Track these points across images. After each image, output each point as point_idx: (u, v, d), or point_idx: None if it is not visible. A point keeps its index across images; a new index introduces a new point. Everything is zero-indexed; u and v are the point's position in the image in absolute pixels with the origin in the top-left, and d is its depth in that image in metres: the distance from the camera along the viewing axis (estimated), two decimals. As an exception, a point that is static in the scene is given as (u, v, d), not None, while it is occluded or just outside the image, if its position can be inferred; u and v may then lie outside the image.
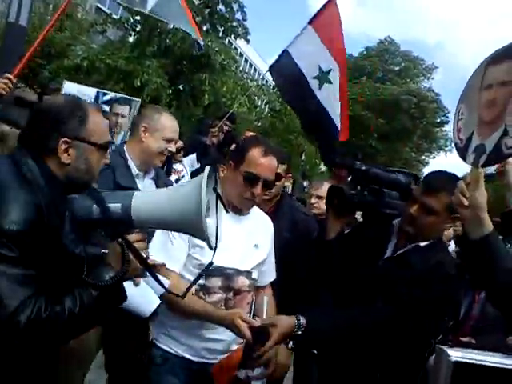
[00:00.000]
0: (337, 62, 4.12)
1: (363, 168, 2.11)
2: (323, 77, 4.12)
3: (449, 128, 32.86)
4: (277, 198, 2.72)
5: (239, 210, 2.11)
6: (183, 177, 5.53)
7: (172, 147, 2.57)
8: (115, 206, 1.37)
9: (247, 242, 2.12)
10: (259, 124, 18.51)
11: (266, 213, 2.38)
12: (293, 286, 2.47)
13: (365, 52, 33.60)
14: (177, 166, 5.59)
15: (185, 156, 5.74)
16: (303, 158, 19.58)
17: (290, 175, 3.24)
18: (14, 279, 1.26)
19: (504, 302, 1.59)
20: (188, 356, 2.03)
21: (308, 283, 2.52)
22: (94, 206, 1.37)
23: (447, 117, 31.76)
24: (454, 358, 0.58)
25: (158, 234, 2.00)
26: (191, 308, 1.89)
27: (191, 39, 11.13)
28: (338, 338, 1.93)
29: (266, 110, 20.50)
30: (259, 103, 17.86)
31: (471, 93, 1.70)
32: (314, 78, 4.13)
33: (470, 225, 1.58)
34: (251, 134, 6.21)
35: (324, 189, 3.13)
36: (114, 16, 13.59)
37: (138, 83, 10.62)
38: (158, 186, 2.62)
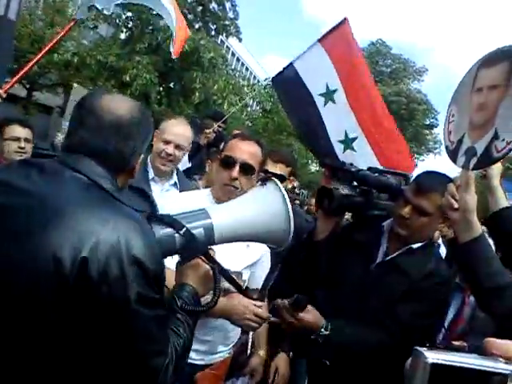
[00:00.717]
0: (343, 86, 4.08)
1: (352, 169, 2.10)
2: (328, 95, 4.12)
3: (438, 130, 33.22)
4: None
5: None
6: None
7: (169, 149, 2.59)
8: (199, 232, 1.25)
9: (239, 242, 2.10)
10: (250, 124, 18.51)
11: None
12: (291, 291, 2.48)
13: (356, 53, 33.76)
14: None
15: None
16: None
17: (294, 179, 3.19)
18: (163, 323, 1.14)
19: (491, 305, 1.60)
20: None
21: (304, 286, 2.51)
22: (176, 235, 1.22)
23: (436, 119, 32.05)
24: (430, 360, 0.58)
25: None
26: None
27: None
28: (354, 353, 1.94)
29: (258, 109, 20.52)
30: (250, 102, 17.87)
31: (462, 95, 1.70)
32: (320, 95, 4.13)
33: (460, 228, 1.58)
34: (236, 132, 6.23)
35: None
36: (105, 12, 13.49)
37: (127, 78, 10.56)
38: (180, 191, 2.70)
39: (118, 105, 1.20)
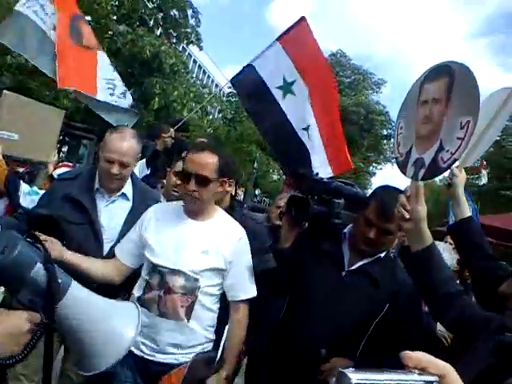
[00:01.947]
0: (302, 76, 4.10)
1: (325, 180, 2.17)
2: (286, 87, 4.10)
3: (395, 140, 34.20)
4: (226, 204, 2.69)
5: (195, 214, 2.19)
6: None
7: (114, 169, 2.40)
8: (38, 269, 1.17)
9: (195, 246, 2.13)
10: (212, 131, 18.47)
11: None
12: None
13: (317, 64, 34.38)
14: None
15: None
16: (255, 165, 19.68)
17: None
18: None
19: (443, 313, 1.63)
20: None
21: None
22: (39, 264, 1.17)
23: (394, 130, 33.01)
24: (354, 381, 0.60)
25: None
26: None
27: (142, 43, 11.06)
28: None
29: (219, 117, 20.51)
30: (212, 111, 17.84)
31: (409, 108, 1.76)
32: (278, 87, 4.10)
33: (412, 237, 1.63)
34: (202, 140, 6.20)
35: None
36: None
37: (86, 84, 10.30)
38: (134, 205, 2.57)
39: None
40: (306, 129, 4.13)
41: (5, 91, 3.75)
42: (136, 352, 2.07)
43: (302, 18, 4.12)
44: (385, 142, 33.93)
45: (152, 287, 2.10)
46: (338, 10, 65.88)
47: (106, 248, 2.44)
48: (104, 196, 2.52)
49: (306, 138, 4.13)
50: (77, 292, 1.22)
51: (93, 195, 2.48)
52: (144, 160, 5.60)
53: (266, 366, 2.26)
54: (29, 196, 3.14)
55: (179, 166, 3.05)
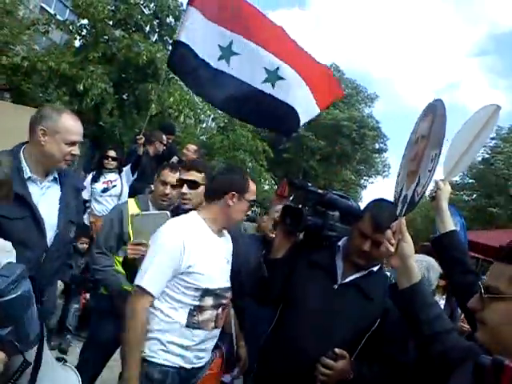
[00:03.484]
0: (236, 31, 3.79)
1: (319, 192, 2.17)
2: (226, 52, 3.82)
3: (387, 154, 34.46)
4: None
5: (219, 229, 2.28)
6: (114, 186, 5.39)
7: (76, 150, 2.38)
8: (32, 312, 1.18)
9: (224, 259, 2.28)
10: (204, 139, 18.47)
11: None
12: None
13: (311, 76, 34.63)
14: (109, 175, 5.43)
15: (124, 166, 5.60)
16: (247, 175, 19.66)
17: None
18: None
19: (428, 350, 1.59)
20: (183, 365, 2.16)
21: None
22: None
23: (385, 144, 33.25)
24: None
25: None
26: None
27: (138, 49, 11.04)
28: None
29: (213, 125, 20.51)
30: (205, 119, 17.84)
31: (408, 147, 1.83)
32: (219, 59, 3.83)
33: (399, 274, 1.63)
34: (192, 146, 6.19)
35: None
36: (58, 17, 13.15)
37: (81, 88, 10.27)
38: (62, 189, 2.48)
39: None
40: (272, 74, 3.84)
41: None
42: (187, 366, 2.17)
43: None
44: (376, 155, 34.14)
45: (205, 309, 2.14)
46: (335, 24, 66.67)
47: (50, 237, 2.37)
48: (37, 183, 2.39)
49: (272, 88, 3.85)
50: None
51: (26, 185, 2.33)
52: (129, 166, 5.59)
53: (257, 378, 2.25)
54: None
55: (165, 174, 3.06)
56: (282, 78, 3.87)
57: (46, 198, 2.40)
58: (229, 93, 3.87)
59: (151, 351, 2.10)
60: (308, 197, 2.17)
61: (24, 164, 2.33)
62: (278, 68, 3.87)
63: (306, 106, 3.99)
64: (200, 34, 3.79)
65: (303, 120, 3.99)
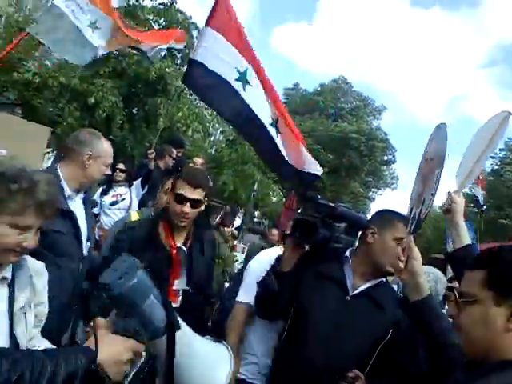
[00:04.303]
0: (248, 62, 3.84)
1: (331, 205, 2.19)
2: (243, 78, 3.86)
3: (395, 166, 34.37)
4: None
5: None
6: (123, 200, 5.44)
7: (108, 171, 2.72)
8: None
9: None
10: (213, 152, 18.57)
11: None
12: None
13: (319, 88, 34.80)
14: (119, 189, 5.49)
15: (134, 179, 5.65)
16: (255, 187, 19.72)
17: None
18: None
19: (438, 358, 1.64)
20: None
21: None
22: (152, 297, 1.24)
23: (394, 156, 33.19)
24: None
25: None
26: None
27: (147, 63, 11.21)
28: None
29: (221, 138, 20.63)
30: (213, 132, 17.96)
31: (421, 166, 1.93)
32: (236, 80, 3.85)
33: (409, 288, 1.70)
34: (199, 160, 6.24)
35: None
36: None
37: (92, 101, 10.42)
38: (85, 203, 2.74)
39: None
40: (273, 123, 3.88)
41: None
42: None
43: None
44: (384, 167, 34.07)
45: None
46: (342, 37, 67.21)
47: (85, 247, 2.59)
48: (74, 200, 2.61)
49: (274, 133, 3.89)
50: (183, 330, 1.29)
51: (67, 202, 2.54)
52: (139, 180, 5.63)
53: None
54: None
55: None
56: (280, 132, 3.92)
57: (78, 213, 2.60)
58: (241, 114, 3.91)
59: (250, 374, 2.30)
60: (318, 209, 2.18)
61: (64, 183, 2.53)
62: (277, 119, 3.92)
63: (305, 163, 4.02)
64: (218, 55, 3.83)
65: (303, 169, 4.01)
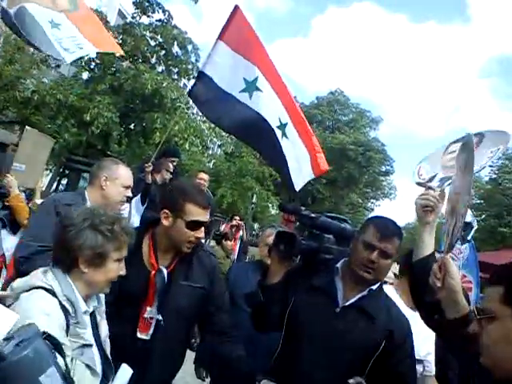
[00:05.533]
0: (261, 71, 3.90)
1: (312, 216, 2.16)
2: (251, 86, 3.90)
3: (393, 177, 34.46)
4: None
5: None
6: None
7: (129, 193, 2.88)
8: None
9: None
10: (211, 165, 18.63)
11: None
12: None
13: (316, 101, 35.04)
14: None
15: (133, 194, 5.61)
16: (254, 200, 19.72)
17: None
18: None
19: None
20: None
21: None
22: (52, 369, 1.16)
23: (392, 166, 33.28)
24: None
25: None
26: None
27: (145, 79, 11.30)
28: None
29: (219, 152, 20.70)
30: (211, 146, 18.04)
31: (455, 179, 1.89)
32: (241, 91, 3.90)
33: (445, 305, 1.65)
34: (205, 176, 6.24)
35: None
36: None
37: (88, 118, 10.51)
38: None
39: None
40: (281, 127, 3.93)
41: (27, 127, 3.98)
42: None
43: (236, 7, 3.89)
44: (382, 178, 34.13)
45: None
46: (337, 50, 67.80)
47: None
48: None
49: (280, 137, 3.93)
50: None
51: None
52: (138, 196, 5.61)
53: None
54: None
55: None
56: (287, 137, 3.96)
57: None
58: (246, 121, 3.92)
59: None
60: (301, 221, 2.19)
61: (88, 204, 2.70)
62: (286, 123, 3.96)
63: (299, 171, 4.10)
64: (226, 68, 3.90)
65: (296, 182, 4.07)
